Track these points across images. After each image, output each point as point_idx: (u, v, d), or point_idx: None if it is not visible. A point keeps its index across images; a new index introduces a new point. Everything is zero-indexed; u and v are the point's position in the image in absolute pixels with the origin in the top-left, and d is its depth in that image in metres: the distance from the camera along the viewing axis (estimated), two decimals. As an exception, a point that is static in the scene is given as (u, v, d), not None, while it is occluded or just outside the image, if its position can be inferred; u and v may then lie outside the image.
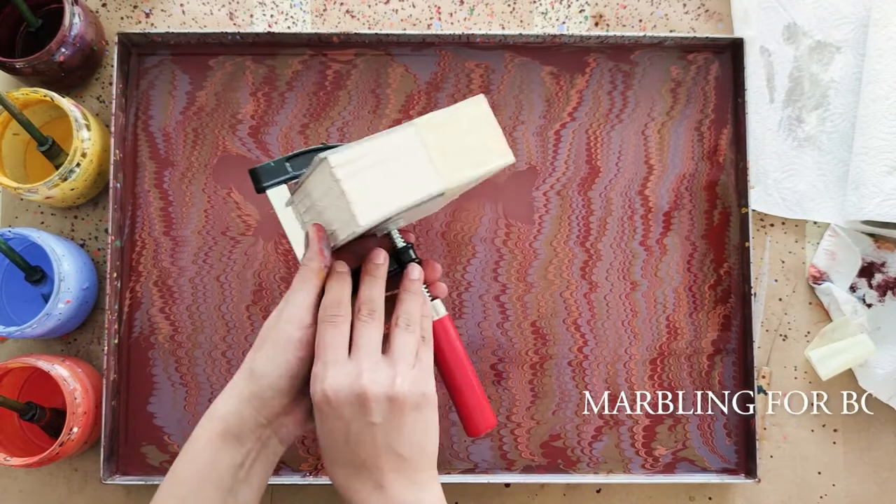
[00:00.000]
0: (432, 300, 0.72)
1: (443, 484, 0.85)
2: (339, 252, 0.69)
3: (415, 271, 0.70)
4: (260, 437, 0.65)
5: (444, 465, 0.86)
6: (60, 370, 0.79)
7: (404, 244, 0.71)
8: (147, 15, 0.91)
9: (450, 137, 0.65)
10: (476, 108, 0.68)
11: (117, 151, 0.85)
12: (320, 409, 0.62)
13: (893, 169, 0.83)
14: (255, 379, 0.64)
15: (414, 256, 0.71)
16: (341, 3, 0.91)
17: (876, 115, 0.85)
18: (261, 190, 0.71)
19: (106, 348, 0.83)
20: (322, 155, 0.62)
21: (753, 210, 0.89)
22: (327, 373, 0.62)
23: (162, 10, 0.91)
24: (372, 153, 0.63)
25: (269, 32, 0.87)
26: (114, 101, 0.85)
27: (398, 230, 0.72)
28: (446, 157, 0.64)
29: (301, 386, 0.65)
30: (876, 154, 0.84)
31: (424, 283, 0.71)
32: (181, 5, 0.91)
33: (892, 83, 0.85)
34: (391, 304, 0.69)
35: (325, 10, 0.91)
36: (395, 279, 0.70)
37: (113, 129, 0.85)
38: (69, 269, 0.81)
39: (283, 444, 0.67)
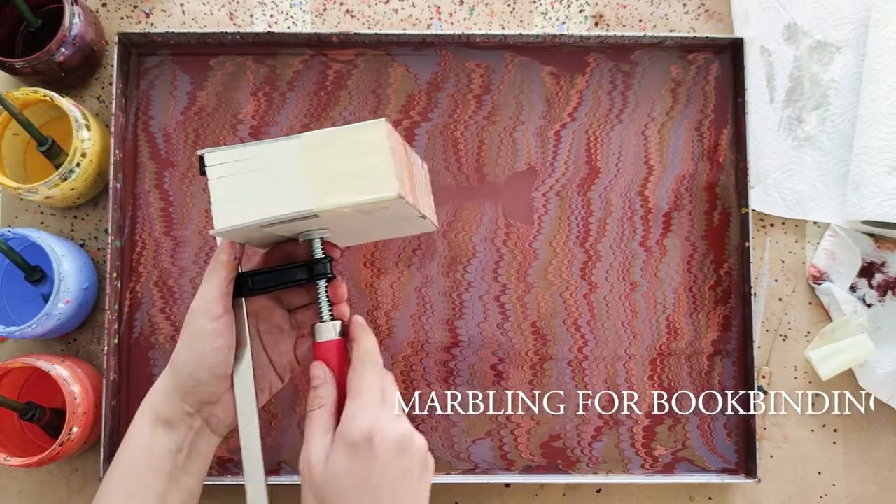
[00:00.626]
0: (332, 320, 0.68)
1: (443, 484, 0.86)
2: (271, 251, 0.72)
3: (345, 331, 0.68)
4: (191, 426, 0.67)
5: (444, 466, 0.86)
6: (60, 370, 0.79)
7: (321, 256, 0.68)
8: (147, 15, 0.91)
9: (336, 158, 0.61)
10: (371, 133, 0.61)
11: (117, 151, 0.85)
12: (355, 447, 0.60)
13: (893, 169, 0.83)
14: (175, 370, 0.66)
15: (326, 272, 0.68)
16: (341, 3, 0.91)
17: (876, 115, 0.85)
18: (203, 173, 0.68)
19: (106, 348, 0.83)
20: (200, 151, 0.62)
21: (753, 210, 0.89)
22: (368, 412, 0.61)
23: (162, 10, 0.91)
24: (252, 159, 0.62)
25: (269, 32, 0.87)
26: (114, 101, 0.85)
27: (323, 241, 0.69)
28: (326, 178, 0.61)
29: (222, 374, 0.66)
30: (876, 154, 0.84)
31: (329, 301, 0.68)
32: (181, 5, 0.91)
33: (892, 83, 0.84)
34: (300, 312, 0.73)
35: (325, 9, 0.91)
36: (307, 288, 0.72)
37: (113, 129, 0.85)
38: (69, 269, 0.81)
39: (216, 434, 0.69)
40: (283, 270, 0.69)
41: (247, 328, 0.68)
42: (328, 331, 0.67)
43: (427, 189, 0.75)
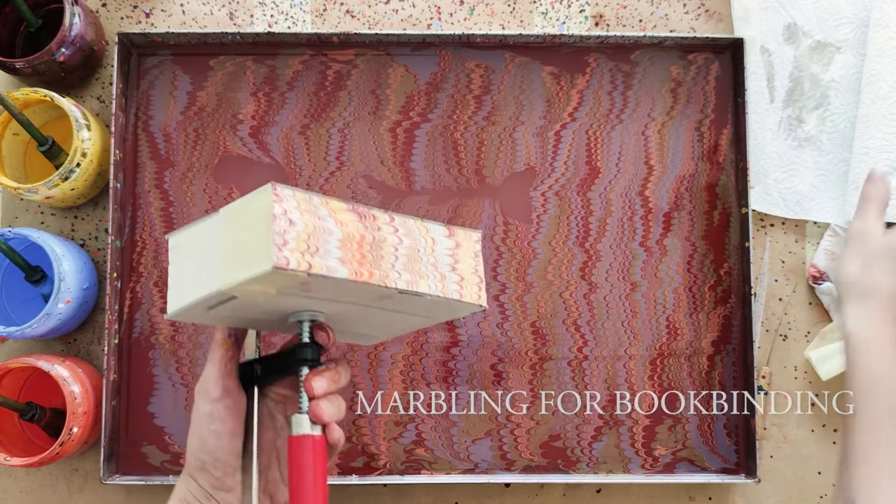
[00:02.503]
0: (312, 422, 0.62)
1: (443, 484, 0.86)
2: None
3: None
4: None
5: (444, 466, 0.86)
6: (60, 370, 0.79)
7: (307, 340, 0.63)
8: (147, 15, 0.91)
9: (240, 231, 0.57)
10: (258, 202, 0.57)
11: (117, 151, 0.85)
12: None
13: (893, 169, 0.83)
14: (187, 454, 0.63)
15: (307, 357, 0.63)
16: (341, 3, 0.91)
17: (876, 115, 0.85)
18: None
19: (106, 348, 0.83)
20: (169, 234, 0.61)
21: (753, 210, 0.89)
22: None
23: (162, 10, 0.91)
24: (193, 239, 0.60)
25: (269, 32, 0.87)
26: (114, 101, 0.85)
27: (314, 323, 0.64)
28: (231, 254, 0.57)
29: (226, 460, 0.62)
30: (876, 154, 0.84)
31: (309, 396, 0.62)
32: (181, 5, 0.91)
33: (892, 83, 0.85)
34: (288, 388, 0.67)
35: (325, 10, 0.91)
36: (290, 374, 0.65)
37: (113, 129, 0.85)
38: (69, 269, 0.81)
39: None
40: (279, 357, 0.64)
41: (255, 418, 0.64)
42: (302, 424, 0.61)
43: (450, 261, 0.65)
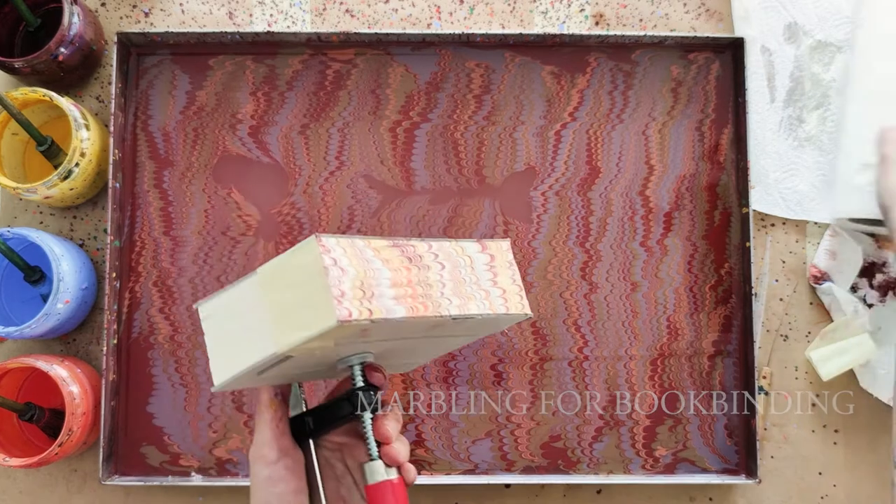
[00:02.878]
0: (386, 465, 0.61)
1: (443, 485, 0.85)
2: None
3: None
4: None
5: (444, 466, 0.86)
6: (59, 370, 0.79)
7: (362, 384, 0.62)
8: (146, 14, 0.91)
9: (287, 289, 0.56)
10: (304, 257, 0.56)
11: (116, 151, 0.85)
12: None
13: (865, 166, 0.83)
14: None
15: (368, 402, 0.61)
16: (341, 3, 0.91)
17: (854, 114, 0.85)
18: None
19: (105, 348, 0.83)
20: (196, 304, 0.60)
21: (754, 210, 0.89)
22: None
23: (161, 10, 0.91)
24: (228, 304, 0.58)
25: (268, 32, 0.87)
26: (113, 101, 0.85)
27: (364, 365, 0.63)
28: (282, 313, 0.56)
29: None
30: (851, 153, 0.85)
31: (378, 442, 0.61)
32: (180, 5, 0.91)
33: (868, 83, 0.85)
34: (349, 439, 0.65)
35: (324, 9, 0.90)
36: (351, 421, 0.63)
37: (112, 128, 0.85)
38: (68, 269, 0.80)
39: None
40: (333, 405, 0.63)
41: (317, 471, 0.63)
42: (377, 471, 0.61)
43: (490, 276, 0.66)
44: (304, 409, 0.64)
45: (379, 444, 0.61)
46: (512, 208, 0.88)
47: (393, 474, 0.61)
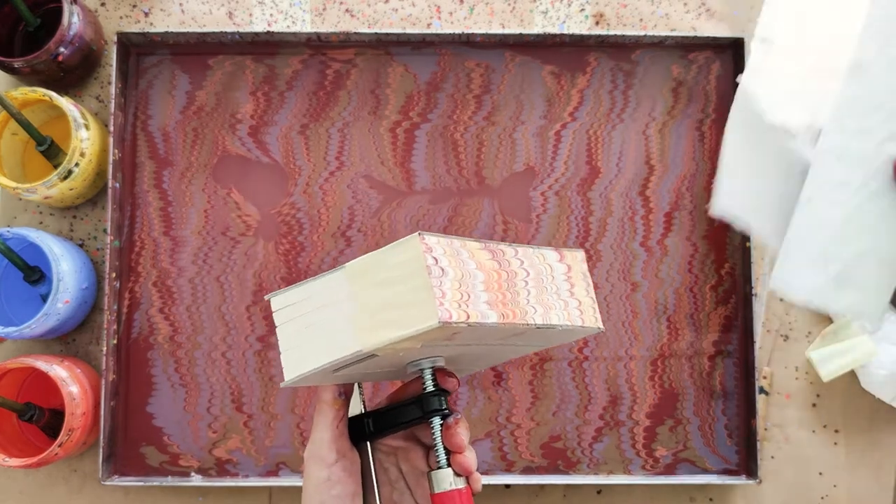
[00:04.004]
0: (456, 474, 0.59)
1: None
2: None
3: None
4: None
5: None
6: (59, 370, 0.79)
7: (433, 389, 0.60)
8: (146, 14, 0.91)
9: (379, 287, 0.55)
10: (405, 253, 0.54)
11: (116, 151, 0.85)
12: None
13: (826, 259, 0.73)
14: None
15: (439, 406, 0.60)
16: (341, 3, 0.90)
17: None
18: None
19: (105, 349, 0.83)
20: (268, 296, 0.58)
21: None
22: None
23: (161, 10, 0.90)
24: (306, 299, 0.57)
25: (268, 32, 0.87)
26: (112, 101, 0.85)
27: (435, 369, 0.61)
28: (371, 311, 0.55)
29: None
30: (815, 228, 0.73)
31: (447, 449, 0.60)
32: (180, 4, 0.91)
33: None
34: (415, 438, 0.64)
35: (324, 9, 0.90)
36: (420, 424, 0.62)
37: (112, 128, 0.85)
38: (68, 269, 0.81)
39: None
40: (399, 408, 0.61)
41: (373, 475, 0.62)
42: (445, 479, 0.59)
43: (567, 286, 0.63)
44: (364, 411, 0.63)
45: (447, 452, 0.59)
46: (511, 208, 0.88)
47: (461, 483, 0.59)
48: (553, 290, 0.62)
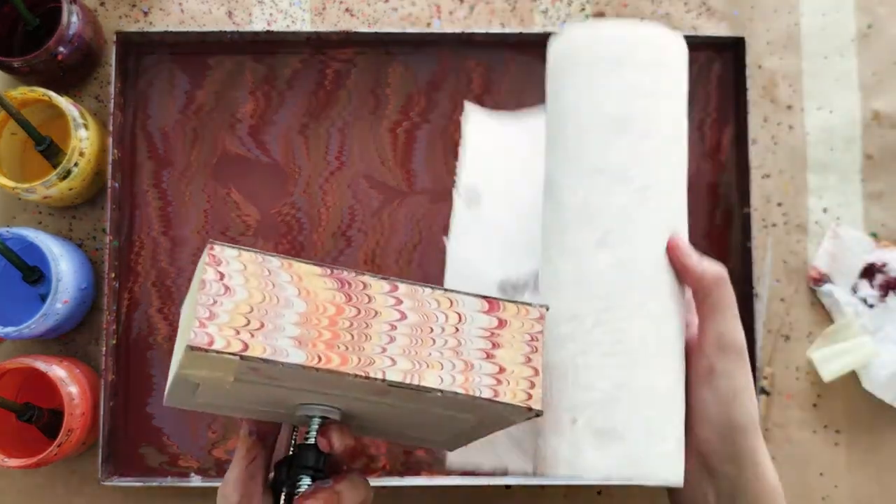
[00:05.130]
0: None
1: (442, 486, 0.85)
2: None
3: None
4: None
5: (444, 467, 0.85)
6: (58, 371, 0.79)
7: (310, 443, 0.54)
8: (145, 14, 0.90)
9: (188, 304, 0.52)
10: (200, 265, 0.51)
11: (115, 151, 0.85)
12: None
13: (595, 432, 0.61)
14: None
15: (306, 464, 0.54)
16: (340, 2, 0.90)
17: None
18: None
19: (104, 349, 0.83)
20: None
21: (755, 210, 0.88)
22: None
23: (160, 9, 0.90)
24: (184, 309, 0.54)
25: (267, 31, 0.87)
26: (112, 100, 0.85)
27: (324, 421, 0.55)
28: (182, 330, 0.51)
29: None
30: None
31: None
32: (179, 4, 0.90)
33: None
34: None
35: (324, 8, 0.90)
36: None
37: (111, 128, 0.85)
38: (67, 269, 0.80)
39: None
40: (294, 458, 0.56)
41: None
42: None
43: (484, 345, 0.51)
44: (289, 454, 0.58)
45: None
46: (512, 208, 0.88)
47: None
48: (448, 346, 0.50)
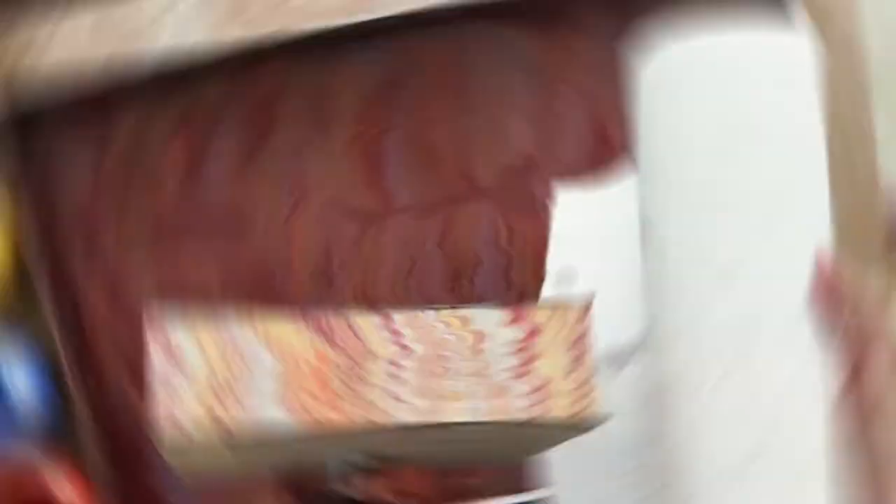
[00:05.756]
0: None
1: None
2: None
3: None
4: None
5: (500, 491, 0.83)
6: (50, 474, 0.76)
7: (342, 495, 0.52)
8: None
9: None
10: None
11: (32, 245, 0.76)
12: None
13: None
14: None
15: None
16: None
17: None
18: None
19: (88, 441, 0.78)
20: None
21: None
22: None
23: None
24: None
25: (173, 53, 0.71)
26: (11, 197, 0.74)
27: (355, 471, 0.52)
28: None
29: None
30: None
31: None
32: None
33: None
34: None
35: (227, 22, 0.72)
36: None
37: (18, 224, 0.75)
38: (25, 381, 0.77)
39: None
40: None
41: None
42: None
43: (515, 362, 0.47)
44: None
45: None
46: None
47: None
48: (467, 372, 0.46)
